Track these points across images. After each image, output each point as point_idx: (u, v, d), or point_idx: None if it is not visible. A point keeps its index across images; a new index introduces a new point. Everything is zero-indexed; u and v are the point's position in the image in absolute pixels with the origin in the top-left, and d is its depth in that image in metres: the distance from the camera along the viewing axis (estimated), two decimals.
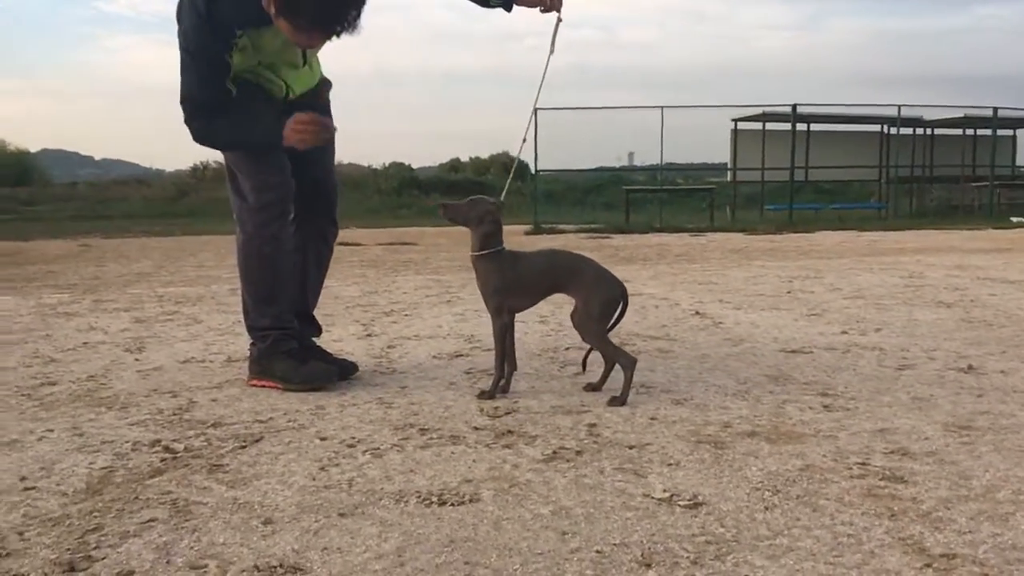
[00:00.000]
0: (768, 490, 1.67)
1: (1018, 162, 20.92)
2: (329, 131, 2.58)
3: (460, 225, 2.54)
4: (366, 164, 34.55)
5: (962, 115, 18.54)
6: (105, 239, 12.92)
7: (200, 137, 2.50)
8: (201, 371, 2.93)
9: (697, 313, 4.30)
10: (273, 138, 2.50)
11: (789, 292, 5.20)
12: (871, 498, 1.62)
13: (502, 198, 2.63)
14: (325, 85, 2.87)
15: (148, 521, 1.54)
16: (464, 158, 39.94)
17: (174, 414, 2.32)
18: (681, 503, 1.61)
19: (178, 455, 1.93)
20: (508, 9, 2.75)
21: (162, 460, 1.90)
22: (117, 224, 17.56)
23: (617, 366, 2.47)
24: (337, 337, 3.63)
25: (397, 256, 8.90)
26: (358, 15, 2.34)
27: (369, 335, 3.70)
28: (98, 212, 22.36)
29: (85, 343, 3.54)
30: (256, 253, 2.61)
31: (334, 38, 2.42)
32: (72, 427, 2.18)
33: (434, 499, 1.64)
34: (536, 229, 14.49)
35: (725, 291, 5.31)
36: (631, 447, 1.98)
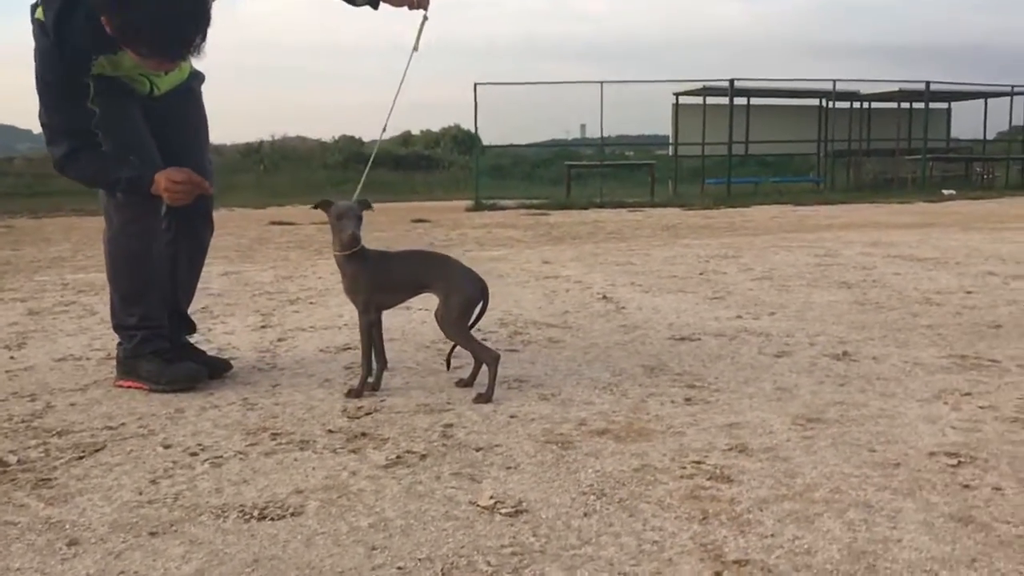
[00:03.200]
0: (594, 494, 1.68)
1: (954, 135, 21.36)
2: (204, 190, 2.53)
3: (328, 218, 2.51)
4: (316, 138, 34.02)
5: (897, 89, 18.83)
6: (32, 219, 12.60)
7: (61, 167, 2.41)
8: (73, 370, 2.86)
9: (604, 297, 4.32)
10: (140, 184, 2.44)
11: (702, 274, 5.24)
12: (691, 500, 1.64)
13: (355, 196, 2.59)
14: (197, 78, 2.80)
15: None
16: (415, 131, 39.55)
17: (23, 421, 2.26)
18: (503, 511, 1.61)
19: (8, 468, 1.88)
20: (375, 7, 2.71)
21: None
22: (53, 201, 17.08)
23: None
24: (230, 329, 3.58)
25: (325, 236, 8.78)
26: (203, 39, 2.25)
27: (264, 326, 3.65)
28: (34, 189, 21.69)
29: None
30: (123, 250, 2.55)
31: (180, 62, 2.37)
32: None
33: (255, 514, 1.62)
34: (477, 206, 14.43)
35: (640, 273, 5.34)
36: (478, 449, 1.97)
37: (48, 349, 3.22)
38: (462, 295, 2.41)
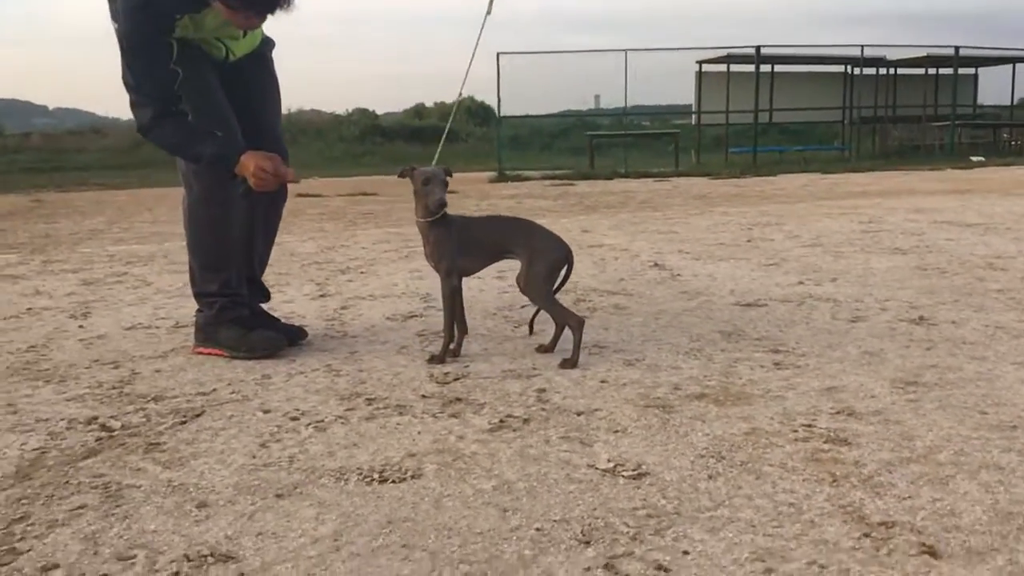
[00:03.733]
0: (712, 457, 1.66)
1: (979, 101, 21.06)
2: (290, 180, 2.51)
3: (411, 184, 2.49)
4: (330, 111, 33.89)
5: (924, 54, 18.55)
6: (60, 193, 12.63)
7: (146, 131, 2.38)
8: (146, 338, 2.86)
9: (656, 265, 4.29)
10: (225, 163, 2.42)
11: (749, 241, 5.20)
12: (814, 463, 1.62)
13: (434, 163, 2.57)
14: (268, 44, 2.78)
15: (77, 508, 1.49)
16: (429, 103, 39.35)
17: (114, 387, 2.26)
18: (625, 474, 1.59)
19: (114, 433, 1.88)
20: None
21: (97, 440, 1.84)
22: (72, 176, 17.15)
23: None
24: (290, 298, 3.57)
25: (358, 207, 8.78)
26: None
27: (323, 295, 3.64)
28: (53, 164, 21.82)
29: (29, 309, 3.45)
30: (204, 217, 2.53)
31: (270, 17, 2.33)
32: (7, 404, 2.12)
33: (375, 476, 1.61)
34: (500, 176, 14.35)
35: (685, 240, 5.30)
36: (579, 413, 1.96)
37: (114, 318, 3.22)
38: (547, 259, 2.39)
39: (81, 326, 3.09)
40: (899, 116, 20.02)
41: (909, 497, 1.46)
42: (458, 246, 2.42)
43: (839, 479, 1.54)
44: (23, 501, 1.53)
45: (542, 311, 2.52)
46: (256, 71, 2.72)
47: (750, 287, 3.58)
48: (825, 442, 1.73)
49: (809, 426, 1.83)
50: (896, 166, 15.22)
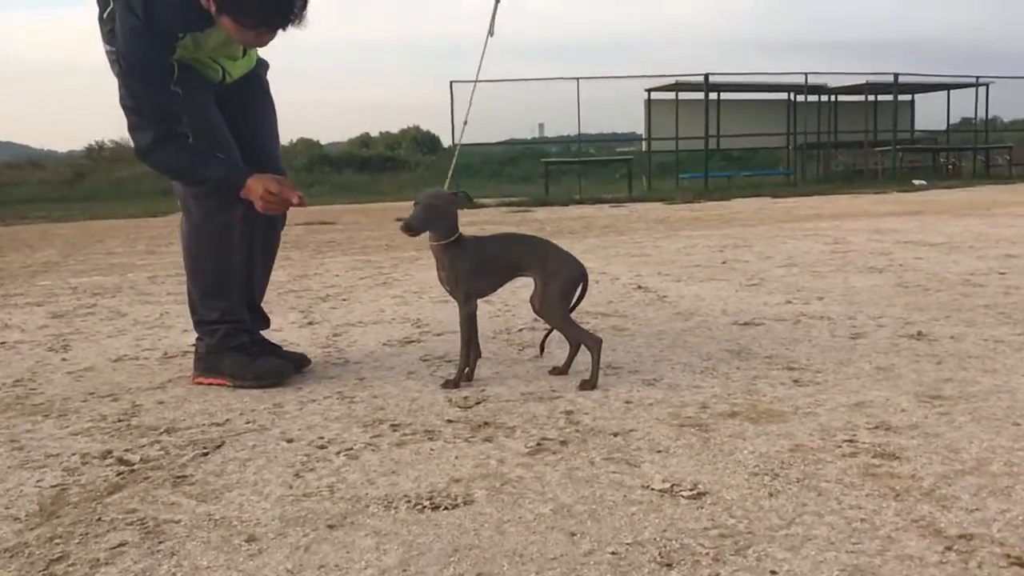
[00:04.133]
0: (766, 475, 1.64)
1: (916, 126, 21.74)
2: (296, 202, 2.40)
3: (424, 231, 2.41)
4: None
5: (864, 81, 19.11)
6: (2, 227, 12.23)
7: (145, 154, 2.29)
8: (137, 370, 2.75)
9: (639, 287, 4.28)
10: (230, 187, 2.34)
11: (724, 262, 5.24)
12: (871, 478, 1.60)
13: (446, 187, 2.53)
14: (263, 66, 2.72)
15: (118, 546, 1.40)
16: (374, 133, 39.32)
17: (119, 420, 2.15)
18: (684, 494, 1.55)
19: (135, 467, 1.79)
20: None
21: (118, 474, 1.75)
22: (12, 210, 16.64)
23: (583, 348, 2.41)
24: (276, 326, 3.47)
25: (319, 236, 8.67)
26: (304, 5, 2.19)
27: (310, 323, 3.56)
28: None
29: (2, 343, 3.30)
30: (205, 243, 2.45)
31: (280, 32, 2.26)
32: (9, 440, 2.00)
33: (426, 503, 1.55)
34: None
35: (660, 263, 5.32)
36: (615, 434, 1.92)
37: (96, 350, 3.10)
38: (563, 279, 2.35)
39: (64, 359, 2.95)
40: (841, 142, 20.57)
41: (977, 509, 1.44)
42: (474, 268, 2.37)
43: (901, 493, 1.52)
44: (56, 540, 1.43)
45: (554, 331, 2.49)
46: (252, 93, 2.66)
47: (741, 307, 3.59)
48: (874, 457, 1.71)
49: (852, 441, 1.81)
50: (842, 190, 15.59)
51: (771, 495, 1.54)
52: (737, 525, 1.42)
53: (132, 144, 2.32)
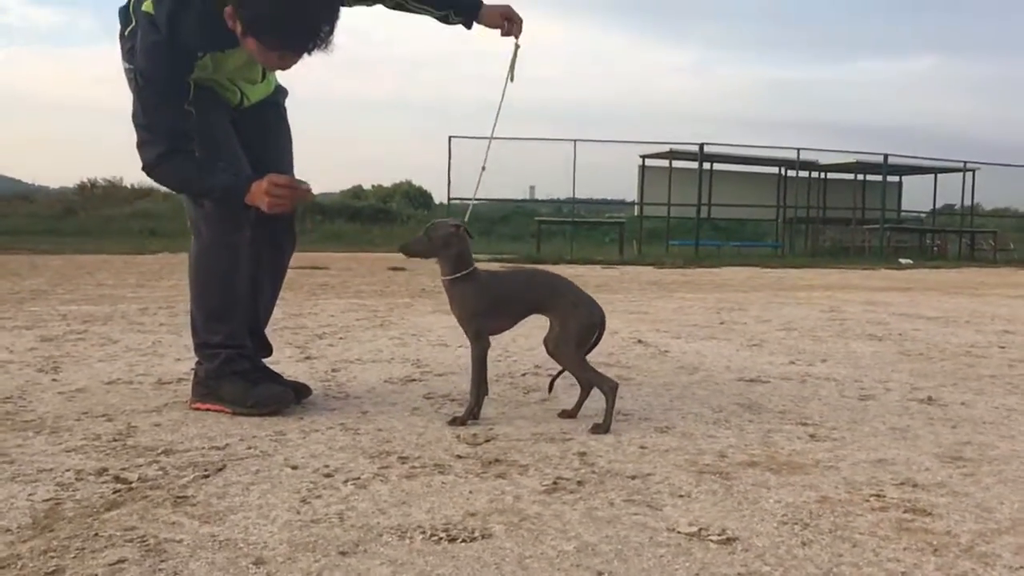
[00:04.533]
0: (796, 524, 1.57)
1: (903, 207, 22.06)
2: (304, 195, 2.37)
3: (425, 256, 2.39)
4: None
5: (854, 160, 19.42)
6: None
7: (152, 167, 2.24)
8: (131, 393, 2.66)
9: (640, 341, 4.24)
10: (236, 193, 2.28)
11: (722, 323, 5.20)
12: (906, 532, 1.54)
13: (467, 215, 2.49)
14: (281, 93, 2.70)
15: (117, 562, 1.31)
16: (366, 186, 39.54)
17: (115, 439, 2.06)
18: (712, 538, 1.49)
19: (133, 485, 1.70)
20: (468, 26, 2.64)
21: (115, 491, 1.66)
22: (1, 241, 16.49)
23: (595, 392, 2.36)
24: (273, 359, 3.39)
25: (312, 279, 8.60)
26: (331, 30, 2.17)
27: (308, 357, 3.48)
28: None
29: None
30: (213, 265, 2.39)
31: (305, 56, 2.23)
32: None
33: (442, 535, 1.47)
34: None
35: (658, 321, 5.28)
36: (633, 477, 1.85)
37: (88, 373, 3.01)
38: (580, 321, 2.30)
39: (55, 379, 2.86)
40: (829, 218, 20.81)
41: (1020, 568, 1.38)
42: (486, 304, 2.32)
43: (940, 549, 1.46)
44: (50, 554, 1.34)
45: (564, 373, 2.43)
46: (269, 117, 2.63)
47: (744, 364, 3.55)
48: (904, 512, 1.65)
49: (879, 496, 1.75)
50: (830, 264, 15.71)
51: (804, 544, 1.47)
52: (773, 572, 1.35)
53: (139, 160, 2.26)
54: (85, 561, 1.32)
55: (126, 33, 2.27)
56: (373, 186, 39.54)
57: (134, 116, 2.23)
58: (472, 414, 2.35)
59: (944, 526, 1.58)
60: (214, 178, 2.28)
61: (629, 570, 1.35)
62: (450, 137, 15.70)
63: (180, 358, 3.35)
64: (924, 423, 2.49)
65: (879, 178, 19.84)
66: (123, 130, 2.32)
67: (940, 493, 1.78)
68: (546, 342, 2.36)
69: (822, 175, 20.46)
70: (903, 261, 17.03)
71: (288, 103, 2.73)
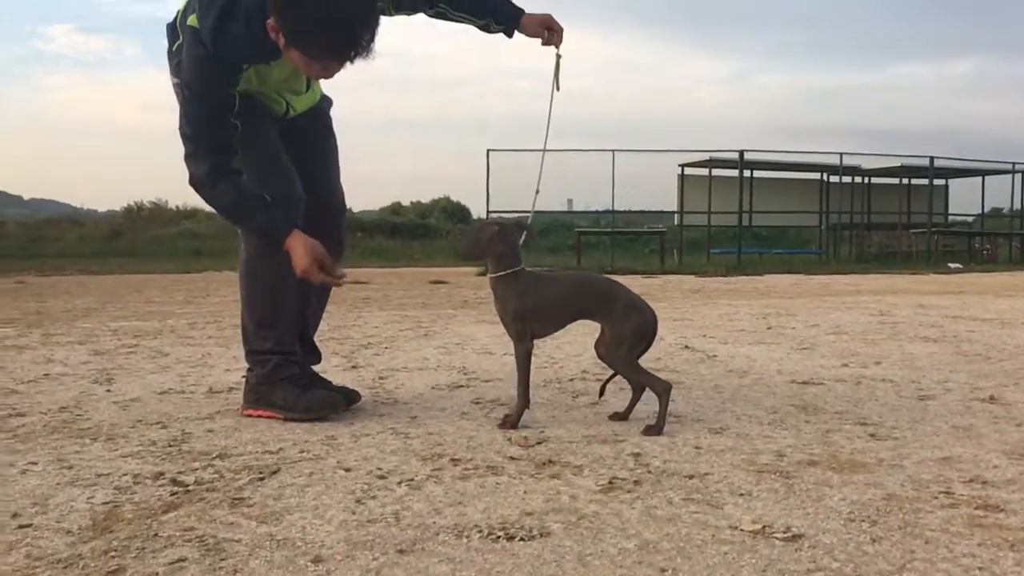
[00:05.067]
0: (864, 521, 1.52)
1: (950, 210, 21.62)
2: (332, 280, 2.40)
3: (478, 256, 2.39)
4: None
5: (899, 164, 19.09)
6: (41, 276, 12.36)
7: (198, 184, 2.26)
8: (184, 402, 2.68)
9: (686, 347, 4.19)
10: (272, 235, 2.30)
11: (769, 328, 5.12)
12: (979, 528, 1.49)
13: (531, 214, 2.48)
14: (327, 101, 2.71)
15: (177, 561, 1.31)
16: (405, 202, 39.83)
17: (170, 445, 2.08)
18: (777, 536, 1.45)
19: (190, 488, 1.70)
20: (509, 35, 2.63)
21: (172, 494, 1.67)
22: (51, 263, 16.85)
23: (646, 395, 2.32)
24: (321, 369, 3.39)
25: (354, 294, 8.64)
26: (372, 37, 2.17)
27: (355, 366, 3.49)
28: (30, 251, 21.48)
29: (46, 375, 3.25)
30: (262, 272, 2.40)
31: (347, 64, 2.24)
32: (57, 459, 1.93)
33: (499, 533, 1.45)
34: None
35: (704, 327, 5.22)
36: (690, 477, 1.81)
37: (142, 384, 3.04)
38: (632, 325, 2.26)
39: (109, 390, 2.90)
40: (874, 223, 20.46)
41: None
42: (531, 306, 2.30)
43: (1017, 544, 1.41)
44: (111, 554, 1.34)
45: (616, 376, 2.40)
46: (314, 126, 2.65)
47: (795, 368, 3.48)
48: (975, 508, 1.60)
49: (948, 493, 1.70)
50: (876, 270, 15.43)
51: (874, 541, 1.43)
52: (843, 568, 1.31)
53: (187, 172, 2.28)
54: (146, 560, 1.32)
55: (174, 49, 2.30)
56: (412, 202, 39.82)
57: (180, 128, 2.26)
58: (521, 414, 2.33)
59: (1019, 522, 1.52)
60: (255, 214, 2.29)
61: (693, 567, 1.31)
62: (488, 151, 15.72)
63: (230, 368, 3.37)
64: (988, 421, 2.41)
65: (924, 182, 19.47)
66: (168, 152, 2.34)
67: (1012, 490, 1.72)
68: (597, 347, 2.33)
69: (866, 180, 20.12)
70: (952, 265, 16.68)
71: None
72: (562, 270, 2.49)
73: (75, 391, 2.88)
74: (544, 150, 2.67)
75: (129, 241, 25.11)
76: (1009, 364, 3.55)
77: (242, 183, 2.30)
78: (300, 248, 2.26)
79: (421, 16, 2.57)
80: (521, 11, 2.58)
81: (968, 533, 1.46)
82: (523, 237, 2.37)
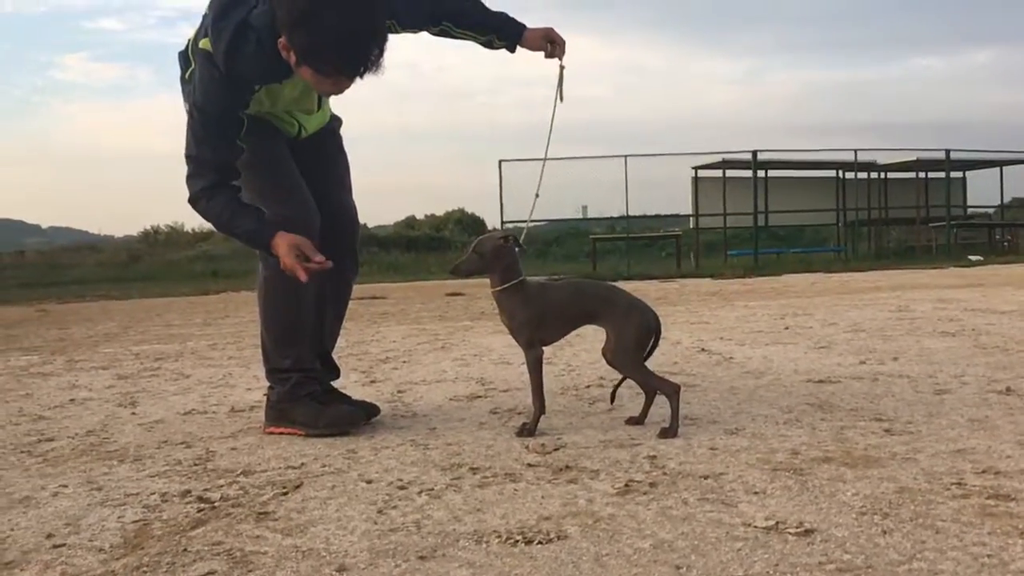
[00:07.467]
0: (876, 514, 1.55)
1: (969, 202, 21.47)
2: (315, 265, 2.35)
3: (479, 273, 2.43)
4: None
5: (915, 158, 18.99)
6: (62, 304, 12.51)
7: (196, 199, 2.30)
8: (207, 422, 2.73)
9: (703, 350, 4.20)
10: (256, 239, 2.32)
11: (787, 328, 5.13)
12: (990, 517, 1.51)
13: (521, 238, 2.51)
14: (336, 121, 2.77)
15: (207, 574, 1.36)
16: (419, 215, 39.93)
17: (195, 464, 2.13)
18: (790, 531, 1.47)
19: (216, 504, 1.75)
20: (512, 50, 2.67)
21: (199, 511, 1.71)
22: (71, 290, 17.03)
23: (660, 398, 2.35)
24: (339, 384, 3.45)
25: (372, 309, 8.71)
26: (381, 52, 2.22)
27: (373, 381, 3.53)
28: (50, 279, 21.72)
29: (72, 400, 3.32)
30: (280, 290, 2.45)
31: (357, 80, 2.29)
32: (87, 481, 1.99)
33: (518, 538, 1.49)
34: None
35: (721, 329, 5.23)
36: (705, 477, 1.84)
37: (165, 406, 3.10)
38: (636, 327, 2.30)
39: (133, 413, 2.96)
40: (892, 218, 20.35)
41: None
42: (537, 315, 2.34)
43: None
44: (143, 569, 1.39)
45: (626, 381, 2.43)
46: (328, 148, 2.70)
47: (812, 367, 3.49)
48: (987, 498, 1.62)
49: (960, 484, 1.72)
50: (896, 265, 15.35)
51: (885, 533, 1.45)
52: (854, 560, 1.33)
53: (187, 192, 2.32)
54: (176, 574, 1.37)
55: (186, 76, 2.36)
56: (426, 216, 39.93)
57: (186, 148, 2.30)
58: (538, 421, 2.36)
59: None
60: (242, 221, 2.32)
61: (707, 564, 1.34)
62: (500, 161, 15.83)
63: (251, 388, 3.43)
64: (1003, 413, 2.42)
65: (942, 175, 19.36)
66: (183, 175, 2.38)
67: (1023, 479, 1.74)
68: (604, 352, 2.37)
69: (882, 175, 20.03)
70: (972, 258, 16.55)
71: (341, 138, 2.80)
72: (561, 279, 2.52)
73: (101, 415, 2.95)
74: (545, 159, 2.71)
75: (147, 265, 25.36)
76: None
77: (236, 196, 2.33)
78: (282, 247, 2.28)
79: (425, 34, 2.62)
80: (523, 26, 2.62)
81: (979, 522, 1.48)
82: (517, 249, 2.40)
